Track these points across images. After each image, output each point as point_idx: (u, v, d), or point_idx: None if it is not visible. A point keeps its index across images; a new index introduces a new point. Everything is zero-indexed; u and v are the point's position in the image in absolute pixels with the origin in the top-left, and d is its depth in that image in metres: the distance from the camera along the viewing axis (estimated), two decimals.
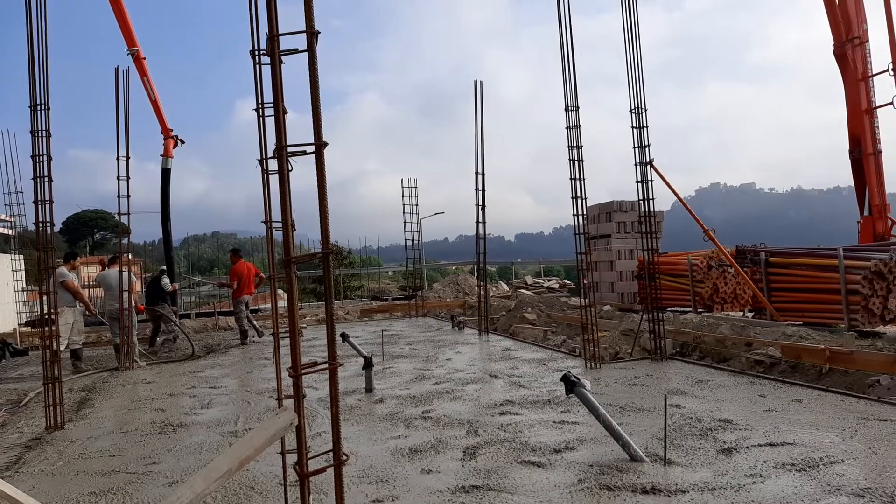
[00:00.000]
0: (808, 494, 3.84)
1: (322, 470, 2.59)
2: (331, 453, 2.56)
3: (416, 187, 19.50)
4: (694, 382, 7.40)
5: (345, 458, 2.45)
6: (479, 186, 14.29)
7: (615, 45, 8.96)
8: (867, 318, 10.44)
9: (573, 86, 8.97)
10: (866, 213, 15.15)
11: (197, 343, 13.65)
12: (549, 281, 28.20)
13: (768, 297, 12.32)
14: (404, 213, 19.44)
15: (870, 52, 14.91)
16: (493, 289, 24.61)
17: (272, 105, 2.91)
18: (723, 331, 10.15)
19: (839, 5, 14.80)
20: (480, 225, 14.47)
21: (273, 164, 3.19)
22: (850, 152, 15.29)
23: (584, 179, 9.02)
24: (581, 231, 9.12)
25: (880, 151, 14.90)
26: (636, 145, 9.23)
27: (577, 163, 9.02)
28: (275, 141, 2.42)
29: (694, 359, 9.25)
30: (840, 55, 15.03)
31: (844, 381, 7.26)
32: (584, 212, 9.10)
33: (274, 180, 3.18)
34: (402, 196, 19.40)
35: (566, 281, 28.52)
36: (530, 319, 14.22)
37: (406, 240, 19.67)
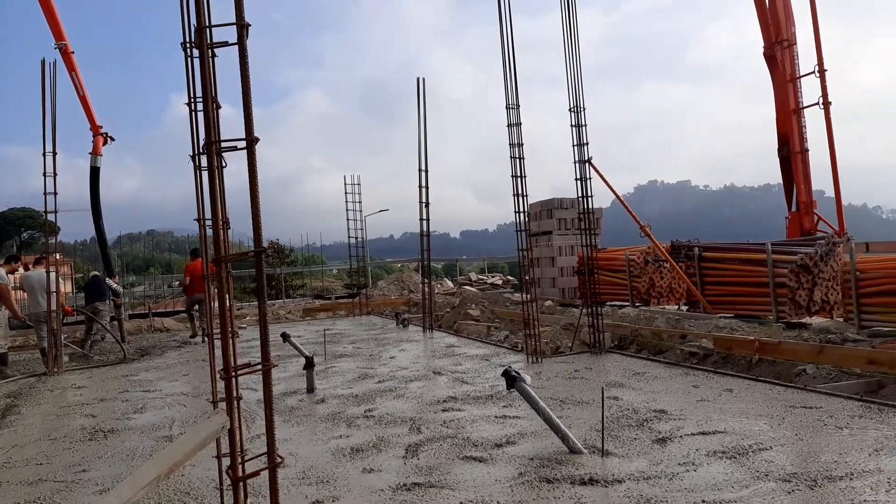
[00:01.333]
0: (738, 481, 3.98)
1: (256, 473, 2.54)
2: (267, 456, 2.50)
3: (359, 184, 19.36)
4: (631, 375, 7.59)
5: (280, 460, 2.40)
6: (423, 184, 14.29)
7: (558, 46, 9.10)
8: (794, 309, 10.92)
9: (514, 84, 9.06)
10: (794, 209, 15.85)
11: (131, 346, 13.20)
12: (493, 277, 28.45)
13: (701, 290, 12.74)
14: (347, 210, 19.28)
15: (797, 55, 15.59)
16: (438, 286, 24.67)
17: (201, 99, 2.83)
18: (659, 324, 10.45)
19: (769, 8, 15.41)
20: (425, 222, 14.48)
21: (206, 160, 3.10)
22: (779, 151, 15.96)
23: (525, 177, 9.14)
24: (523, 228, 9.22)
25: (807, 150, 15.60)
26: (575, 143, 9.39)
27: (518, 160, 9.12)
28: (205, 136, 2.35)
29: (631, 351, 9.49)
30: (770, 57, 15.65)
31: (773, 371, 7.58)
32: (526, 209, 9.21)
33: (207, 177, 3.09)
34: (346, 193, 19.23)
35: (510, 277, 28.82)
36: (474, 316, 14.31)
37: (350, 237, 19.51)
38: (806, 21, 15.54)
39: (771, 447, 4.59)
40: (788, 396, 6.11)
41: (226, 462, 3.07)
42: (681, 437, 4.97)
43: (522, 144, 9.16)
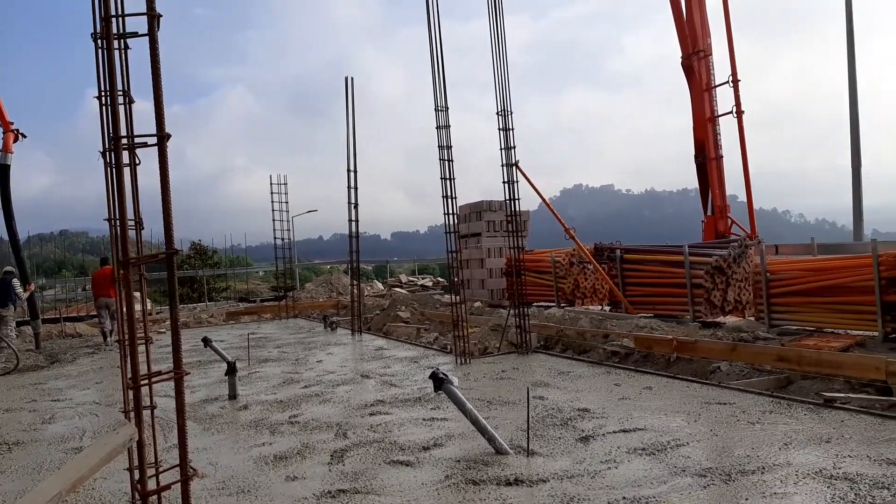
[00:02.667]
0: (657, 477, 4.10)
1: (167, 487, 2.42)
2: (179, 468, 2.38)
3: (286, 184, 18.96)
4: (556, 374, 7.72)
5: (192, 472, 2.29)
6: (353, 184, 14.13)
7: (487, 51, 9.17)
8: (709, 309, 11.38)
9: (443, 87, 9.08)
10: (709, 213, 16.58)
11: (41, 352, 12.46)
12: (423, 279, 28.43)
13: (623, 291, 13.12)
14: (274, 210, 18.85)
15: (713, 66, 16.31)
16: (368, 288, 24.45)
17: (119, 93, 2.68)
18: (583, 324, 10.69)
19: (686, 21, 16.06)
20: (354, 223, 14.31)
21: (114, 157, 2.94)
22: (695, 157, 16.66)
23: (454, 179, 9.17)
24: (452, 230, 9.24)
25: (721, 156, 16.35)
26: (503, 147, 9.49)
27: (447, 163, 9.14)
28: (111, 132, 2.21)
29: (557, 351, 9.66)
30: (687, 67, 16.31)
31: (690, 369, 7.87)
32: (456, 211, 9.24)
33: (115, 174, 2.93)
34: (272, 193, 18.80)
35: (440, 279, 28.89)
36: (404, 318, 14.25)
37: (276, 238, 19.07)
38: (721, 34, 16.31)
39: (688, 443, 4.76)
40: (704, 393, 6.35)
41: (139, 475, 2.91)
42: (603, 435, 5.08)
43: (451, 147, 9.18)
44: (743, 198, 17.09)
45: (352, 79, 14.27)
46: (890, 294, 8.35)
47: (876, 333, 8.45)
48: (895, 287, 8.30)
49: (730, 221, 16.40)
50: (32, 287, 13.27)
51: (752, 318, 10.89)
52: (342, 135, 14.37)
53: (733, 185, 16.67)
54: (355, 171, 14.11)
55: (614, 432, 5.13)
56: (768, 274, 10.06)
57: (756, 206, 16.79)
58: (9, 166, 14.01)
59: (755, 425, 5.12)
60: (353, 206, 14.18)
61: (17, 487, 4.67)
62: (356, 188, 14.12)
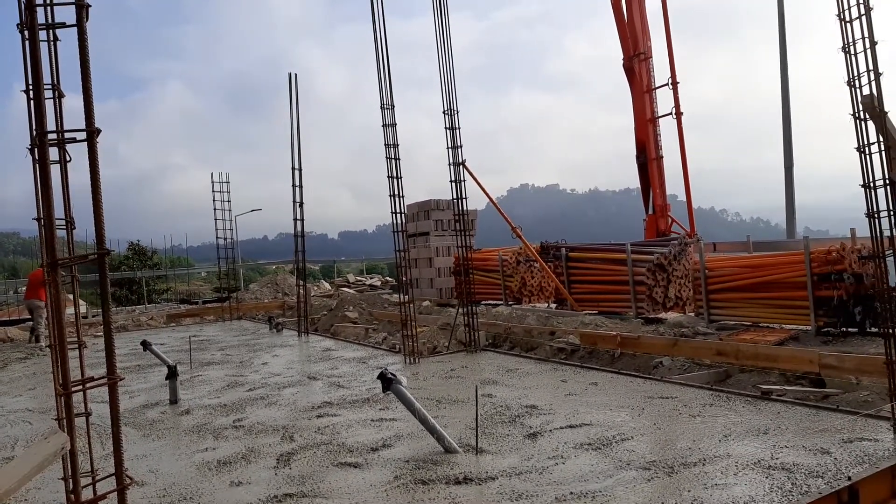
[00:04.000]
0: (603, 471, 4.17)
1: (103, 496, 2.31)
2: (115, 477, 2.28)
3: (228, 182, 18.50)
4: (504, 372, 7.77)
5: (128, 480, 2.19)
6: (297, 183, 13.90)
7: (427, 49, 9.16)
8: (652, 306, 11.67)
9: (388, 84, 9.02)
10: (651, 211, 17.01)
11: None
12: (371, 279, 28.25)
13: (569, 289, 13.33)
14: (215, 209, 18.37)
15: (653, 67, 16.73)
16: (315, 288, 24.14)
17: (48, 86, 2.54)
18: (530, 322, 10.81)
19: (627, 23, 16.43)
20: (299, 222, 14.09)
21: (53, 154, 2.80)
22: (637, 157, 17.06)
23: (401, 178, 9.11)
24: (400, 229, 9.20)
25: (662, 157, 16.78)
26: (449, 146, 9.49)
27: (393, 161, 9.09)
28: (36, 126, 2.10)
29: (505, 349, 9.74)
30: (628, 69, 16.69)
31: (633, 364, 8.04)
32: (403, 210, 9.19)
33: (54, 171, 2.79)
34: (213, 192, 18.33)
35: (388, 278, 28.76)
36: (352, 318, 14.12)
37: (219, 238, 18.60)
38: (660, 36, 16.74)
39: (632, 437, 4.85)
40: (647, 388, 6.50)
41: (72, 484, 2.78)
42: (550, 431, 5.13)
43: (398, 145, 9.14)
44: (682, 197, 17.58)
45: (296, 75, 14.05)
46: (821, 289, 8.72)
47: (809, 327, 8.82)
48: (826, 283, 8.68)
49: (670, 220, 16.86)
50: None
51: (693, 314, 11.22)
52: (284, 132, 14.14)
53: (673, 184, 17.19)
54: (300, 169, 13.89)
55: (561, 428, 5.19)
56: (707, 271, 10.38)
57: (695, 205, 17.31)
58: None
59: (696, 418, 5.26)
60: (298, 204, 13.95)
61: None
62: (301, 186, 13.91)
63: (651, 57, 16.65)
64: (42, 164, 2.09)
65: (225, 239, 18.53)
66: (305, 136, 13.95)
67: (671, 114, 16.47)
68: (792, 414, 5.20)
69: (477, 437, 4.84)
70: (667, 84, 16.46)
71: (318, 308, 16.54)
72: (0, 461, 5.32)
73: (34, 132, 2.88)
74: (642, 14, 16.48)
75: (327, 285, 26.76)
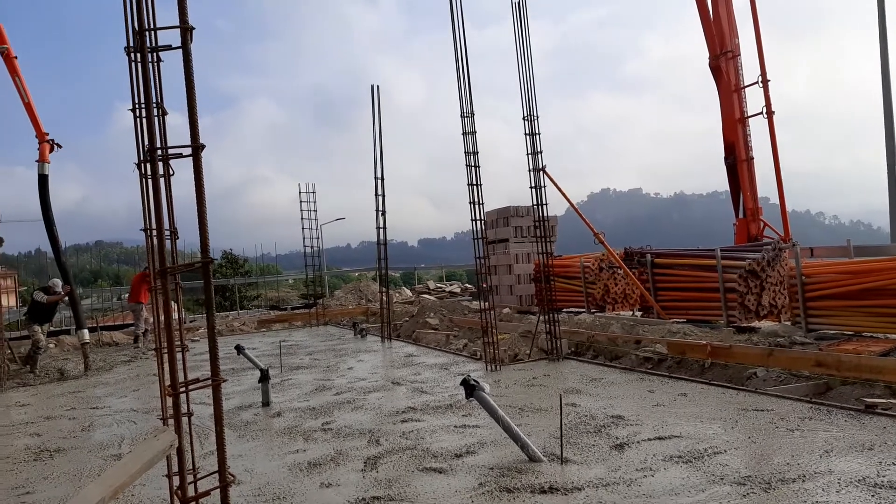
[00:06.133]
0: (695, 485, 4.02)
1: (207, 493, 2.44)
2: (218, 475, 2.40)
3: (314, 192, 19.14)
4: (588, 381, 7.64)
5: (231, 478, 2.30)
6: (379, 192, 14.19)
7: (502, 56, 9.19)
8: (744, 314, 11.18)
9: (468, 92, 9.08)
10: (741, 215, 16.29)
11: (73, 360, 12.70)
12: (451, 285, 28.42)
13: (655, 296, 12.95)
14: (303, 218, 19.02)
15: (741, 66, 16.06)
16: (396, 295, 24.51)
17: (154, 105, 2.72)
18: (614, 330, 10.57)
19: (713, 21, 15.85)
20: (381, 231, 14.37)
21: (150, 168, 2.99)
22: (725, 159, 16.39)
23: (480, 185, 9.15)
24: (480, 236, 9.23)
25: (752, 158, 16.06)
26: (529, 152, 9.45)
27: (473, 168, 9.13)
28: (148, 143, 2.25)
29: (588, 357, 9.57)
30: (715, 67, 16.09)
31: (725, 375, 7.73)
32: (483, 217, 9.22)
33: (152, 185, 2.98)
34: (301, 202, 18.98)
35: (468, 285, 28.85)
36: (433, 324, 14.26)
37: (305, 246, 19.24)
38: (747, 33, 16.06)
39: (725, 450, 4.66)
40: (741, 399, 6.23)
41: (177, 481, 2.95)
42: (638, 442, 5.01)
43: (478, 152, 9.18)
44: (774, 200, 16.75)
45: (378, 87, 14.37)
46: None
47: None
48: None
49: (762, 224, 16.11)
50: (68, 289, 13.20)
51: (788, 323, 10.67)
52: (363, 142, 14.54)
53: (764, 186, 16.40)
54: (382, 179, 14.18)
55: (649, 439, 5.06)
56: (804, 277, 9.85)
57: (789, 207, 16.45)
58: (47, 176, 14.33)
59: (794, 432, 5.00)
60: (380, 213, 14.23)
61: (60, 493, 4.76)
62: (384, 195, 14.19)
63: (739, 55, 16.00)
64: (154, 179, 2.23)
65: (311, 247, 19.15)
66: (384, 145, 14.24)
67: (762, 113, 15.73)
68: None
69: (562, 446, 4.78)
70: (756, 82, 15.74)
71: (400, 314, 16.79)
72: (108, 458, 5.69)
73: (143, 148, 3.09)
74: (729, 10, 15.86)
75: (408, 292, 27.12)
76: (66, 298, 12.68)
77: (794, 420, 5.33)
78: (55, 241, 13.84)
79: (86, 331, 12.32)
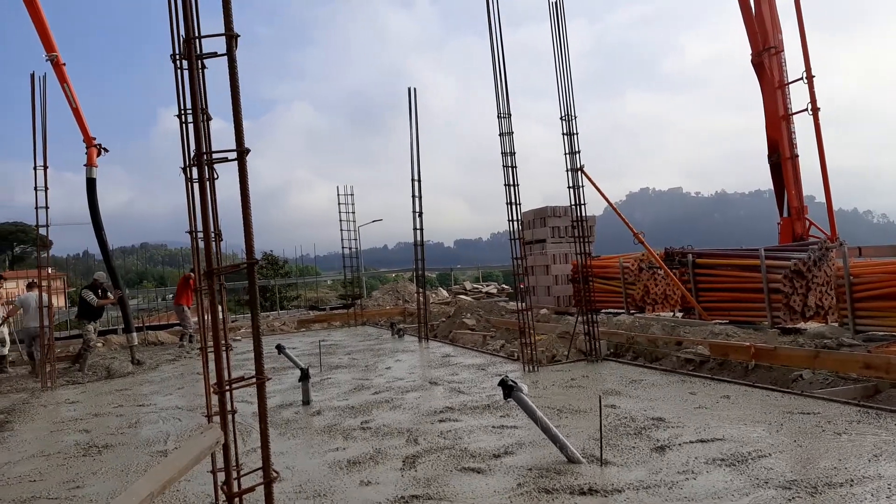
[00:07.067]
0: (738, 489, 3.95)
1: (251, 489, 2.49)
2: (262, 471, 2.46)
3: (352, 195, 19.34)
4: (628, 382, 7.56)
5: (275, 475, 2.36)
6: (416, 193, 14.26)
7: (537, 57, 9.20)
8: (789, 315, 10.91)
9: (505, 93, 9.07)
10: (786, 214, 15.91)
11: (119, 359, 13.08)
12: (487, 286, 28.38)
13: (696, 297, 12.74)
14: (341, 220, 19.24)
15: (785, 62, 15.69)
16: (433, 295, 24.59)
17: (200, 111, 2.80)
18: (654, 331, 10.43)
19: (756, 17, 15.53)
20: (418, 232, 14.44)
21: (197, 172, 3.07)
22: (769, 157, 16.03)
23: (517, 185, 9.13)
24: (516, 236, 9.21)
25: (797, 156, 15.67)
26: (567, 151, 9.40)
27: (510, 169, 9.12)
28: (195, 148, 2.32)
29: (627, 359, 9.46)
30: (757, 64, 15.75)
31: (769, 377, 7.56)
32: (519, 217, 9.20)
33: (198, 189, 3.06)
34: (339, 203, 19.20)
35: (504, 286, 28.76)
36: (470, 325, 14.27)
37: (343, 248, 19.46)
38: (788, 27, 15.69)
39: (770, 454, 4.57)
40: (786, 402, 6.09)
41: (221, 477, 3.02)
42: (679, 444, 4.94)
43: (515, 153, 9.17)
44: (820, 198, 16.33)
45: (414, 89, 14.43)
46: None
47: None
48: None
49: (808, 223, 15.70)
50: (119, 293, 13.58)
51: (836, 324, 10.39)
52: (399, 145, 14.67)
53: (809, 184, 15.99)
54: (419, 180, 14.25)
55: (691, 442, 4.98)
56: (852, 277, 9.59)
57: (835, 206, 16.00)
58: (95, 179, 14.78)
59: (842, 436, 4.87)
60: (417, 214, 14.31)
61: (108, 488, 4.92)
62: (420, 196, 14.26)
63: (783, 50, 15.64)
64: (201, 182, 2.30)
65: (349, 248, 19.36)
66: (421, 148, 14.30)
67: (807, 110, 15.35)
68: None
69: (602, 447, 4.75)
70: (801, 79, 15.36)
71: (437, 315, 16.85)
72: (155, 454, 5.85)
73: (191, 153, 3.18)
74: (771, 5, 15.51)
75: (445, 293, 27.18)
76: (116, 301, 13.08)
77: (842, 423, 5.19)
78: (104, 245, 14.26)
79: (135, 334, 13.39)
